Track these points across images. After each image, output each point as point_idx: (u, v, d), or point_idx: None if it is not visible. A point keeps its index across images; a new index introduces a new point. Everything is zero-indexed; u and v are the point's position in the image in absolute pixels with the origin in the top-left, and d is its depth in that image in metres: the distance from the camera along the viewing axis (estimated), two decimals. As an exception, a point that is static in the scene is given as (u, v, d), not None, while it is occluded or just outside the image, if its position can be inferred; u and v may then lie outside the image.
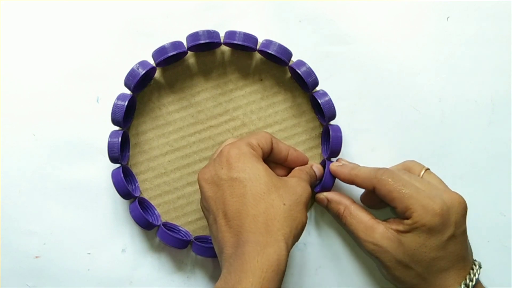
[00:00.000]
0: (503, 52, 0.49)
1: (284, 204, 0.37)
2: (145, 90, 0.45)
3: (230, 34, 0.43)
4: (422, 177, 0.42)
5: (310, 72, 0.44)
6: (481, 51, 0.49)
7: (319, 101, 0.43)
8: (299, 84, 0.46)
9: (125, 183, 0.42)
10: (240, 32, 0.43)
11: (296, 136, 0.46)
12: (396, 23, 0.49)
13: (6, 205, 0.46)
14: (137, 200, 0.44)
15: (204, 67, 0.45)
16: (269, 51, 0.43)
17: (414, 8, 0.49)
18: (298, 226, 0.37)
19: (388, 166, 0.48)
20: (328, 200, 0.44)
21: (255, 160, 0.38)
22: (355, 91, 0.48)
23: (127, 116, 0.44)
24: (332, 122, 0.45)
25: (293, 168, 0.44)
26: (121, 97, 0.43)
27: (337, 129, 0.44)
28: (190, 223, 0.46)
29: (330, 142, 0.44)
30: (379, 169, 0.42)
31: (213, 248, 0.41)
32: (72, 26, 0.47)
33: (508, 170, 0.49)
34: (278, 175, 0.41)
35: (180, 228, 0.45)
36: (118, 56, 0.47)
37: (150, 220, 0.43)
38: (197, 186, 0.42)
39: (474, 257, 0.42)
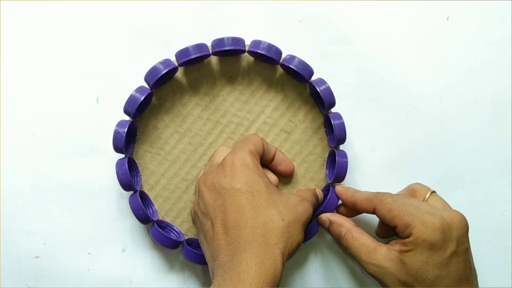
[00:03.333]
0: (503, 52, 0.49)
1: (283, 220, 0.37)
2: (145, 114, 0.45)
3: (218, 42, 0.43)
4: (427, 200, 0.42)
5: (304, 64, 0.44)
6: (481, 51, 0.49)
7: (318, 89, 0.43)
8: (294, 77, 0.46)
9: (129, 174, 0.43)
10: (228, 38, 0.43)
11: (297, 129, 0.46)
12: (396, 23, 0.49)
13: (6, 205, 0.46)
14: (138, 192, 0.44)
15: (193, 81, 0.46)
16: (258, 51, 0.43)
17: (414, 8, 0.49)
18: (294, 243, 0.38)
19: (388, 166, 0.48)
20: (330, 221, 0.44)
21: (258, 174, 0.39)
22: (355, 91, 0.48)
23: (128, 142, 0.44)
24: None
25: (277, 172, 0.44)
26: (120, 124, 0.43)
27: (338, 116, 0.44)
28: (185, 222, 0.46)
29: (334, 131, 0.44)
30: (379, 192, 0.42)
31: (202, 255, 0.41)
32: (72, 26, 0.47)
33: (508, 170, 0.49)
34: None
35: (174, 228, 0.45)
36: (118, 56, 0.47)
37: (147, 213, 0.43)
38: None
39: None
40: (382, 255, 0.40)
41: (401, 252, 0.39)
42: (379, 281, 0.40)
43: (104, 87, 0.47)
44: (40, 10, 0.47)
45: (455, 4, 0.49)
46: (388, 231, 0.45)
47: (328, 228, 0.44)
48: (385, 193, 0.42)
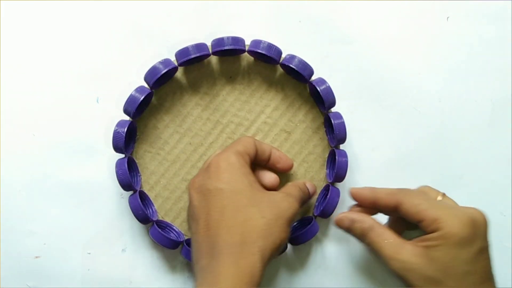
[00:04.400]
0: (503, 52, 0.49)
1: (263, 218, 0.37)
2: (145, 114, 0.45)
3: (218, 42, 0.43)
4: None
5: (304, 63, 0.43)
6: (481, 51, 0.49)
7: (318, 89, 0.43)
8: (294, 77, 0.46)
9: (128, 174, 0.42)
10: (228, 37, 0.43)
11: (297, 129, 0.46)
12: (396, 23, 0.49)
13: (6, 205, 0.46)
14: (137, 192, 0.44)
15: (193, 81, 0.45)
16: (258, 50, 0.43)
17: (414, 8, 0.49)
18: (276, 240, 0.37)
19: (388, 166, 0.48)
20: (351, 220, 0.42)
21: (242, 173, 0.39)
22: (355, 91, 0.48)
23: (128, 142, 0.44)
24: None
25: (277, 170, 0.44)
26: (120, 124, 0.43)
27: (339, 116, 0.44)
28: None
29: (334, 131, 0.44)
30: (401, 188, 0.41)
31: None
32: (72, 26, 0.47)
33: (508, 170, 0.49)
34: (266, 182, 0.42)
35: (174, 228, 0.45)
36: (118, 56, 0.47)
37: (147, 213, 0.43)
38: None
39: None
40: (408, 250, 0.39)
41: (428, 247, 0.38)
42: (403, 277, 0.39)
43: (104, 87, 0.47)
44: (40, 10, 0.47)
45: (455, 4, 0.49)
46: (399, 229, 0.43)
47: (348, 227, 0.42)
48: (408, 189, 0.41)
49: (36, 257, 0.46)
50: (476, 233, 0.38)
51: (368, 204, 0.42)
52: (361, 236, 0.42)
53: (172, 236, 0.44)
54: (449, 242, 0.37)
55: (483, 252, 0.38)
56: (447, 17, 0.49)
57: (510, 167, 0.49)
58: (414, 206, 0.39)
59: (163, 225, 0.45)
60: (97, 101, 0.47)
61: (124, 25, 0.47)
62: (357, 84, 0.49)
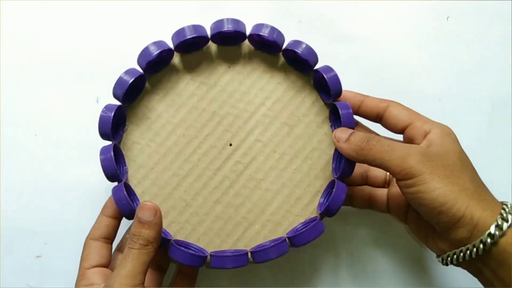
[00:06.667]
0: (503, 52, 0.49)
1: None
2: (135, 102, 0.42)
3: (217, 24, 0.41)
4: None
5: (310, 49, 0.41)
6: (481, 51, 0.49)
7: (325, 76, 0.40)
8: (297, 68, 0.43)
9: (114, 161, 0.38)
10: (228, 19, 0.41)
11: (300, 122, 0.44)
12: (396, 23, 0.49)
13: (7, 204, 0.47)
14: (122, 183, 0.39)
15: (190, 70, 0.43)
16: (260, 33, 0.41)
17: (414, 8, 0.49)
18: None
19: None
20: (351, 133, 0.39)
21: None
22: (355, 91, 0.48)
23: (117, 129, 0.41)
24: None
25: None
26: (108, 107, 0.40)
27: (346, 106, 0.42)
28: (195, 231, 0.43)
29: (342, 123, 0.41)
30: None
31: (191, 255, 0.38)
32: (72, 26, 0.47)
33: (508, 170, 0.49)
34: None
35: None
36: (118, 56, 0.47)
37: (133, 206, 0.39)
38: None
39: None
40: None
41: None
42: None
43: (104, 87, 0.47)
44: (40, 10, 0.47)
45: (455, 4, 0.49)
46: (422, 235, 0.41)
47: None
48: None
49: (38, 256, 0.47)
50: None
51: (356, 102, 0.43)
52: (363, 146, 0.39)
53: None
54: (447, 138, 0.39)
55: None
56: (447, 17, 0.49)
57: (510, 167, 0.49)
58: (402, 114, 0.41)
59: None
60: (97, 101, 0.47)
61: (124, 25, 0.47)
62: (357, 84, 0.48)
